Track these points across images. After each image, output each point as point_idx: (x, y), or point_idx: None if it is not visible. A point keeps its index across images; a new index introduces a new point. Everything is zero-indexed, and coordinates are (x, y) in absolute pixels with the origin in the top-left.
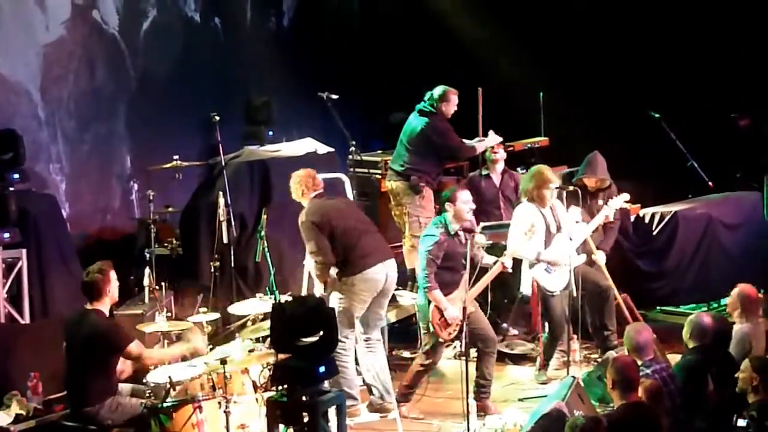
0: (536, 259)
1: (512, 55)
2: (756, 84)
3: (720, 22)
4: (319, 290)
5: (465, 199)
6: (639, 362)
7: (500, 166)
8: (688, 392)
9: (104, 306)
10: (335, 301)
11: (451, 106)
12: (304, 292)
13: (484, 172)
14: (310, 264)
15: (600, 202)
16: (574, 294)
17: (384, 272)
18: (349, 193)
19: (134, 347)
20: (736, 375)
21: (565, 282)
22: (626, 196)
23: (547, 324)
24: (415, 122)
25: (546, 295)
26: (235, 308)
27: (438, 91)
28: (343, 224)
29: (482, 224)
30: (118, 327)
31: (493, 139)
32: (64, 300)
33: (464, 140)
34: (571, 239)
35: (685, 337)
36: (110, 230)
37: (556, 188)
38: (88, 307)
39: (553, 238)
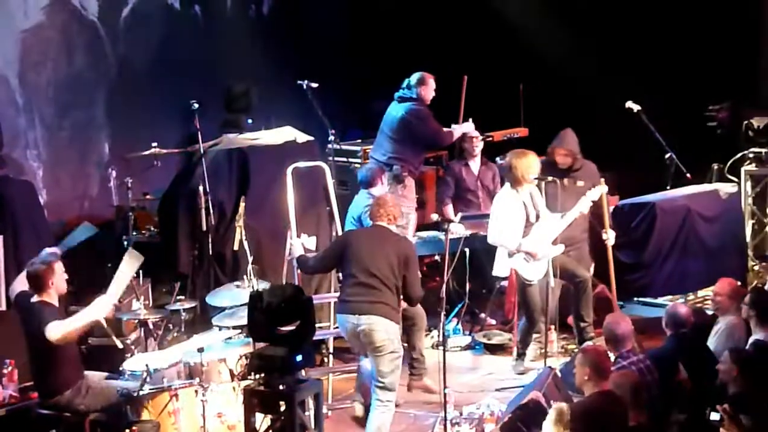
0: (517, 250)
1: (492, 44)
2: (735, 77)
3: (700, 13)
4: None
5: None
6: (616, 353)
7: (479, 156)
8: (663, 383)
9: (51, 298)
10: None
11: (429, 90)
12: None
13: (463, 162)
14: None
15: (567, 182)
16: (552, 284)
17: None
18: (330, 182)
19: (49, 330)
20: (717, 367)
21: (544, 271)
22: (604, 188)
23: (524, 313)
24: (395, 110)
25: (524, 284)
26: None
27: (415, 76)
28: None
29: (461, 214)
30: (45, 310)
31: (469, 126)
32: None
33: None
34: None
35: (664, 326)
36: (88, 217)
37: (535, 179)
38: (35, 299)
39: (532, 228)
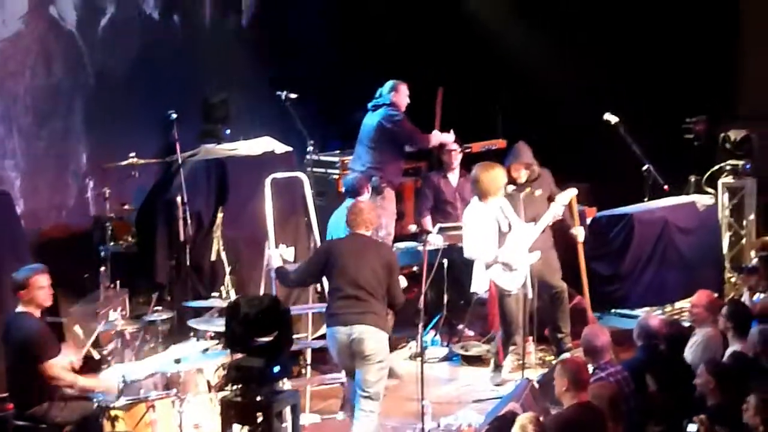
0: (494, 261)
1: (471, 57)
2: (712, 90)
3: (678, 27)
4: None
5: None
6: (595, 364)
7: (457, 168)
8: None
9: (34, 309)
10: None
11: (403, 97)
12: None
13: (442, 174)
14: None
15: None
16: (530, 295)
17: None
18: (308, 192)
19: (48, 366)
20: (695, 381)
21: (522, 280)
22: (573, 191)
23: (501, 324)
24: (370, 119)
25: (503, 295)
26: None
27: (387, 84)
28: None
29: (439, 225)
30: (43, 336)
31: (448, 136)
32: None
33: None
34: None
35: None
36: (65, 227)
37: (513, 191)
38: (19, 309)
39: (506, 237)
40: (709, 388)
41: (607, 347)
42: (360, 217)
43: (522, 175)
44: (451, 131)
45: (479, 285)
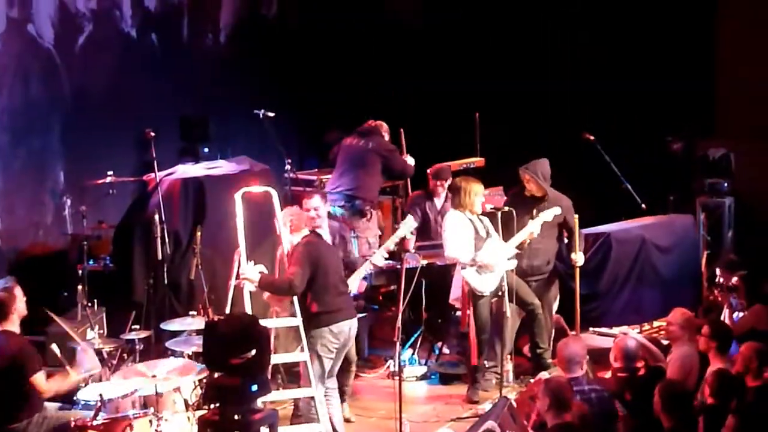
0: (472, 262)
1: (448, 74)
2: (691, 108)
3: (654, 46)
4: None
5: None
6: (567, 374)
7: (443, 190)
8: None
9: (13, 324)
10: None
11: (387, 136)
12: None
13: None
14: (250, 285)
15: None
16: (508, 314)
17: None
18: (277, 207)
19: (37, 380)
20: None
21: (495, 284)
22: (557, 210)
23: (476, 329)
24: (358, 143)
25: (475, 297)
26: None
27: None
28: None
29: (417, 243)
30: (27, 352)
31: (410, 159)
32: None
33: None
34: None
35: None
36: (42, 246)
37: (492, 209)
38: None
39: (483, 242)
40: (658, 409)
41: (576, 357)
42: (299, 218)
43: (529, 187)
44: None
45: (456, 296)
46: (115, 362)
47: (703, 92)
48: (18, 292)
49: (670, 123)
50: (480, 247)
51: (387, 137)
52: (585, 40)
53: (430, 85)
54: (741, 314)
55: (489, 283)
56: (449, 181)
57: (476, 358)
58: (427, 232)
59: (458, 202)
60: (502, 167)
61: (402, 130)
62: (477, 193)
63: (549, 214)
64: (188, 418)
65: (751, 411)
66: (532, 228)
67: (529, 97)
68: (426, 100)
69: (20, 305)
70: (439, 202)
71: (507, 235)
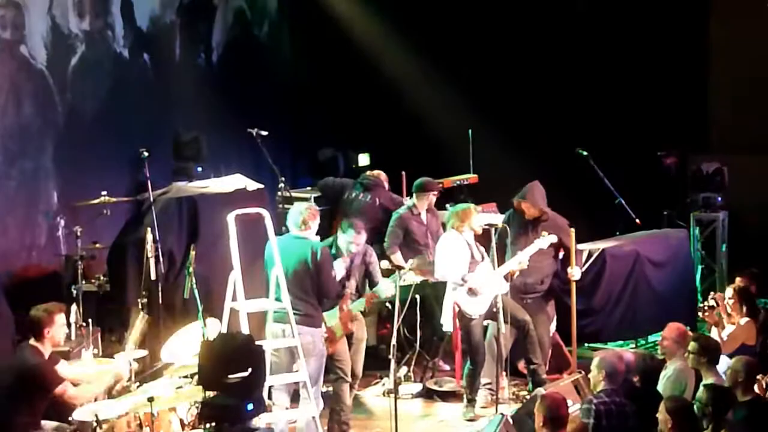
0: (462, 281)
1: (442, 92)
2: (684, 124)
3: (647, 61)
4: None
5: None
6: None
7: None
8: None
9: (43, 345)
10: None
11: (387, 185)
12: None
13: (415, 211)
14: (244, 307)
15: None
16: (503, 330)
17: None
18: (270, 229)
19: (62, 389)
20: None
21: (485, 308)
22: (553, 238)
23: (468, 353)
24: (363, 195)
25: (466, 321)
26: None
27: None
28: None
29: (411, 261)
30: (47, 368)
31: None
32: None
33: None
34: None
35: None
36: (36, 267)
37: (487, 225)
38: (30, 342)
39: (477, 265)
40: (668, 427)
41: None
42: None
43: (530, 212)
44: None
45: (448, 322)
46: None
47: (696, 107)
48: (59, 319)
49: (664, 138)
50: (474, 270)
51: (387, 186)
52: (578, 56)
53: (424, 101)
54: (729, 331)
55: (479, 306)
56: (432, 194)
57: (461, 377)
58: (412, 247)
59: (455, 224)
60: (496, 184)
61: (404, 173)
62: (473, 216)
63: (545, 241)
64: None
65: (741, 425)
66: (521, 258)
67: (523, 113)
68: (419, 116)
69: (56, 332)
70: (424, 217)
71: (501, 251)
